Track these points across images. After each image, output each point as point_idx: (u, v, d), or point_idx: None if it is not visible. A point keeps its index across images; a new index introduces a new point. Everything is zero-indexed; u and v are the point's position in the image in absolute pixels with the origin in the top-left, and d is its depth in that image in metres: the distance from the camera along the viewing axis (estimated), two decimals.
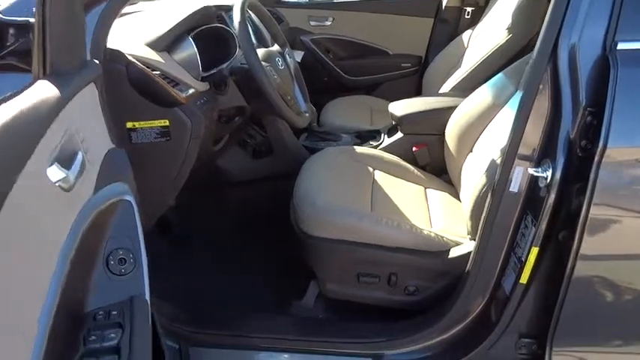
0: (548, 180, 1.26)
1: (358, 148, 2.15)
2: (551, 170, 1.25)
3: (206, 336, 1.66)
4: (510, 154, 1.33)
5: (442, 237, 1.67)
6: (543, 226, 1.30)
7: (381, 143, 2.29)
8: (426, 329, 1.59)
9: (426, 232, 1.66)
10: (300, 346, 1.62)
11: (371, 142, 2.32)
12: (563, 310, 1.30)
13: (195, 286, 1.95)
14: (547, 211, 1.28)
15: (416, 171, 2.13)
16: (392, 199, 1.89)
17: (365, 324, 1.68)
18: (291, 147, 2.27)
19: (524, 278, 1.35)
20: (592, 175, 1.16)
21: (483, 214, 1.43)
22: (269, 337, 1.64)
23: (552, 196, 1.27)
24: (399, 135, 2.26)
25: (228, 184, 2.30)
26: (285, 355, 1.62)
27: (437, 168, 2.17)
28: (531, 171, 1.30)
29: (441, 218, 1.82)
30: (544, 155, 1.29)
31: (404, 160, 2.17)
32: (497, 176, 1.38)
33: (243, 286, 1.95)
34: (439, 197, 1.97)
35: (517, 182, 1.35)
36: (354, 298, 1.72)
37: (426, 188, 2.06)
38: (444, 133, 2.02)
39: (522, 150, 1.31)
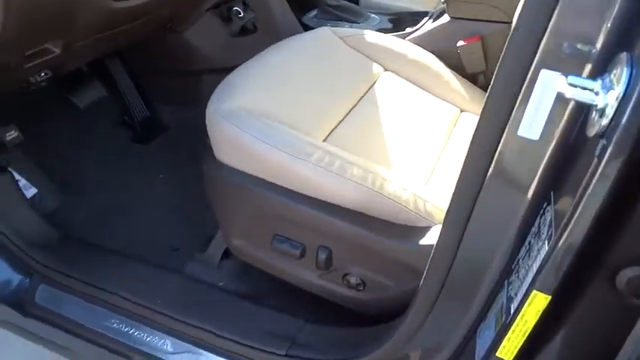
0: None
1: (373, 34, 1.35)
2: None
3: (63, 277, 1.15)
4: None
5: (429, 209, 0.91)
6: (577, 235, 0.50)
7: (416, 30, 1.45)
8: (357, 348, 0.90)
9: (401, 193, 0.91)
10: (172, 327, 1.04)
11: (406, 29, 1.49)
12: None
13: (92, 199, 1.42)
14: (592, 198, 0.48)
15: (454, 82, 1.30)
16: (381, 125, 1.12)
17: (278, 315, 1.03)
18: (281, 24, 1.54)
19: (505, 352, 0.58)
20: None
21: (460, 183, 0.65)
22: (135, 301, 1.08)
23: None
24: (444, 19, 1.39)
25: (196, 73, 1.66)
26: (151, 336, 1.05)
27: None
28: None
29: (453, 176, 1.03)
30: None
31: (445, 61, 1.34)
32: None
33: (150, 218, 1.37)
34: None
35: (540, 114, 0.54)
36: (267, 269, 1.06)
37: (458, 116, 1.24)
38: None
39: None
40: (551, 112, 0.53)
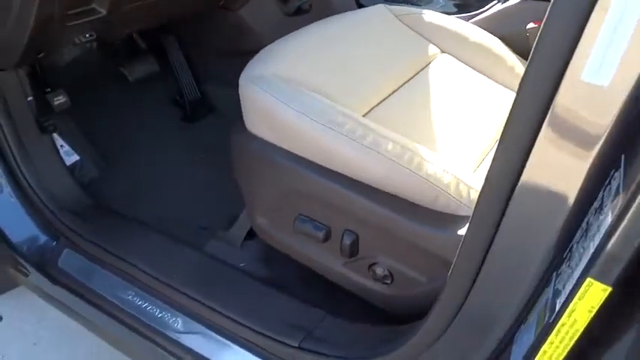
0: None
1: (432, 14, 1.24)
2: None
3: (87, 244, 1.12)
4: None
5: (473, 197, 0.79)
6: None
7: (482, 12, 1.31)
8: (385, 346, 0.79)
9: (441, 176, 0.79)
10: (184, 305, 0.98)
11: (470, 10, 1.36)
12: None
13: (131, 172, 1.40)
14: None
15: (519, 67, 1.16)
16: (429, 107, 1.01)
17: (296, 303, 0.94)
18: (338, 5, 1.45)
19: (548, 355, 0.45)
20: None
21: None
22: (151, 274, 1.02)
23: None
24: (514, 0, 1.25)
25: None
26: (163, 312, 0.99)
27: None
28: None
29: None
30: None
31: (511, 46, 1.21)
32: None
33: (185, 195, 1.32)
34: None
35: (612, 53, 0.42)
36: (290, 252, 0.97)
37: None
38: None
39: None
40: (628, 49, 0.41)
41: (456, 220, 0.77)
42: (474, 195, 0.79)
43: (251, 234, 1.08)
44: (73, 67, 1.53)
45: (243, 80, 0.93)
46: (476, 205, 0.57)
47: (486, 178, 0.54)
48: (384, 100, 1.00)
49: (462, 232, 0.75)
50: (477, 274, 0.57)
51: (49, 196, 1.19)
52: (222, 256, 1.07)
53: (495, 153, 0.53)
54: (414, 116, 0.98)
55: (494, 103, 1.07)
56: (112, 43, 1.65)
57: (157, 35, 1.68)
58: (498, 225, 0.54)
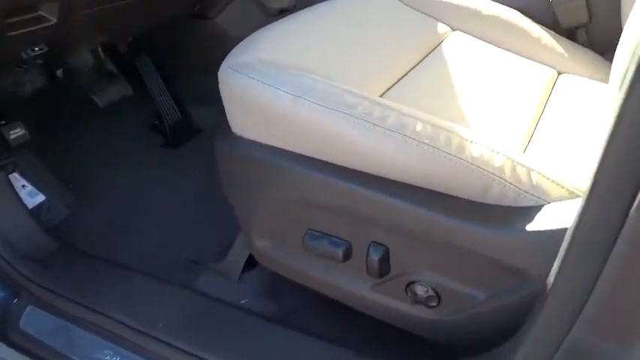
0: None
1: None
2: None
3: (53, 297, 0.92)
4: None
5: (536, 181, 0.60)
6: None
7: None
8: None
9: (491, 158, 0.60)
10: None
11: None
12: None
13: (108, 207, 1.20)
14: None
15: (546, 38, 0.99)
16: (452, 86, 0.83)
17: (317, 344, 0.74)
18: None
19: None
20: None
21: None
22: (132, 326, 0.82)
23: None
24: None
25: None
26: None
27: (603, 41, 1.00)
28: None
29: (562, 146, 0.72)
30: None
31: (533, 18, 1.04)
32: None
33: (171, 228, 1.13)
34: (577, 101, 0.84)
35: None
36: (301, 279, 0.77)
37: (555, 78, 0.93)
38: None
39: None
40: None
41: (519, 213, 0.58)
42: (538, 179, 0.60)
43: (251, 262, 0.89)
44: (36, 96, 1.35)
45: (223, 70, 0.75)
46: (594, 177, 0.38)
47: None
48: (397, 82, 0.83)
49: (532, 226, 0.56)
50: (598, 276, 0.38)
51: (5, 243, 0.99)
52: (218, 294, 0.86)
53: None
54: (437, 96, 0.80)
55: (525, 80, 0.90)
56: (77, 67, 1.49)
57: (128, 56, 1.51)
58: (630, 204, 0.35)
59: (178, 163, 1.40)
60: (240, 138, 0.75)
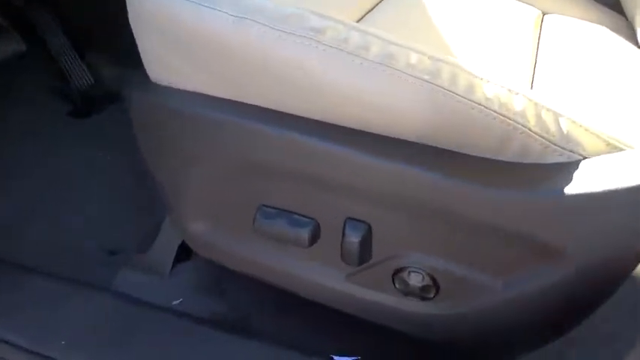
0: None
1: None
2: None
3: None
4: None
5: (567, 130, 0.45)
6: None
7: None
8: None
9: (508, 100, 0.44)
10: None
11: None
12: None
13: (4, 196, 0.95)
14: None
15: None
16: (439, 16, 0.67)
17: (275, 352, 0.56)
18: None
19: None
20: None
21: None
22: (27, 348, 0.60)
23: None
24: None
25: None
26: None
27: None
28: None
29: (570, 91, 0.58)
30: None
31: None
32: None
33: (85, 214, 0.90)
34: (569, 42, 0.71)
35: None
36: (253, 271, 0.59)
37: (540, 18, 0.80)
38: None
39: None
40: None
41: (548, 171, 0.44)
42: (569, 128, 0.45)
43: (184, 252, 0.69)
44: None
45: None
46: None
47: None
48: (373, 8, 0.65)
49: (570, 189, 0.42)
50: None
51: None
52: (144, 294, 0.67)
53: None
54: (415, 30, 0.63)
55: (510, 20, 0.76)
56: None
57: (22, 10, 1.25)
58: None
59: (92, 134, 1.16)
60: (162, 87, 0.55)
